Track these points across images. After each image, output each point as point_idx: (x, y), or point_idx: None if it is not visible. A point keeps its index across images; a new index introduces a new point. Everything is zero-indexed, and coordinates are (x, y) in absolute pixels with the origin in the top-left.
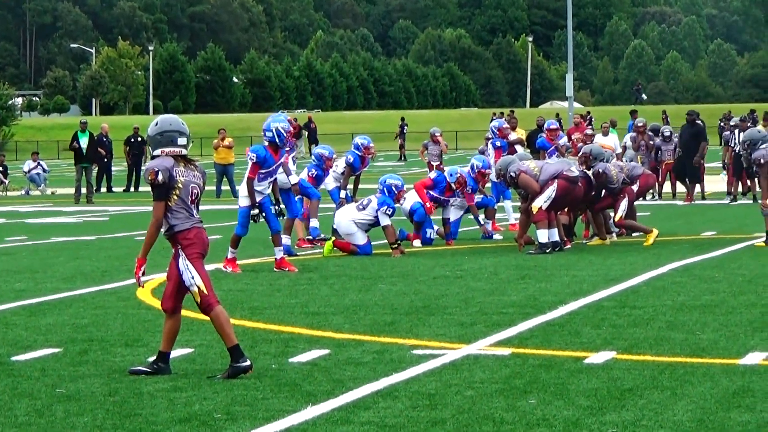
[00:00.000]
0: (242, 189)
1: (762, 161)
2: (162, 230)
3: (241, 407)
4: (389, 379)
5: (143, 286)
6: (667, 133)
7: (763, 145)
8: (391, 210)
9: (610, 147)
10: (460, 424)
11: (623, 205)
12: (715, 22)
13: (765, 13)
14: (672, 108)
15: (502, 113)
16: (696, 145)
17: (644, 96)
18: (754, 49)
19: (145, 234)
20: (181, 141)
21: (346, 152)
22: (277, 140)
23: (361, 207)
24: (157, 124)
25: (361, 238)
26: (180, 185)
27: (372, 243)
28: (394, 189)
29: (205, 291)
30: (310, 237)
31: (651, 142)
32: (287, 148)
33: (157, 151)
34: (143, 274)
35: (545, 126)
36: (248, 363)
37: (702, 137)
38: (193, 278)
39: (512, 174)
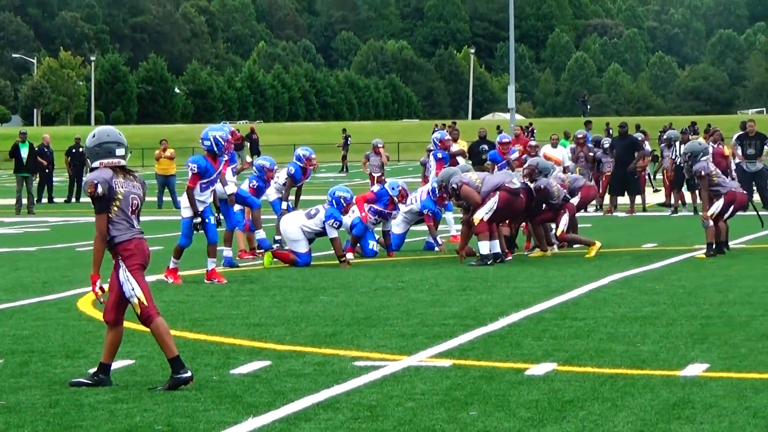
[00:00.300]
0: (184, 200)
1: (702, 173)
2: None
3: (182, 419)
4: (330, 390)
5: (104, 301)
6: (607, 145)
7: (704, 158)
8: (338, 223)
9: (557, 159)
10: None
11: (564, 219)
12: (657, 34)
13: (706, 26)
14: (614, 120)
15: (444, 125)
16: (630, 157)
17: (588, 107)
18: (695, 62)
19: (92, 248)
20: (120, 152)
21: (288, 163)
22: (215, 149)
23: (309, 215)
24: (94, 136)
25: (303, 247)
26: (120, 196)
27: (312, 254)
28: (342, 201)
29: (145, 302)
30: (262, 249)
31: (591, 154)
32: (226, 157)
33: (96, 163)
34: (101, 290)
35: (498, 139)
36: (189, 374)
37: (637, 148)
38: (133, 289)
39: (454, 186)
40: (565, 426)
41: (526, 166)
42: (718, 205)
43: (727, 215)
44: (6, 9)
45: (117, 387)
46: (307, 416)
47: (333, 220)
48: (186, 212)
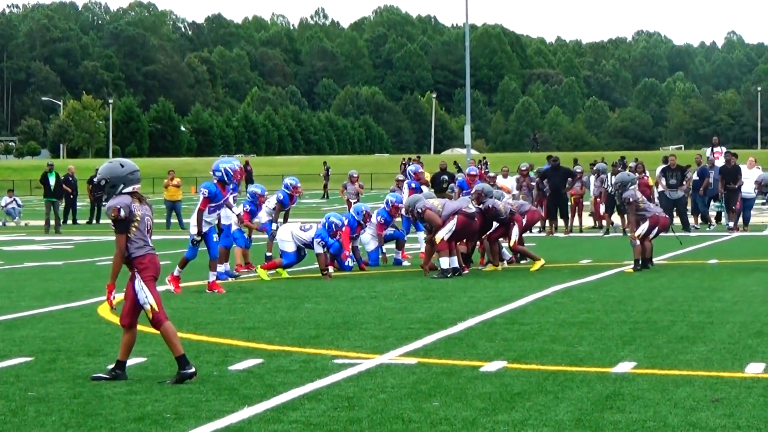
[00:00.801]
0: (193, 219)
1: (631, 200)
2: None
3: (187, 408)
4: (314, 384)
5: (115, 308)
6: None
7: (632, 187)
8: (324, 242)
9: (507, 188)
10: (374, 422)
11: (515, 231)
12: (591, 82)
13: (633, 75)
14: (555, 154)
15: (410, 158)
16: (563, 185)
17: (538, 143)
18: (624, 105)
19: (111, 261)
20: (139, 179)
21: (277, 191)
22: (225, 178)
23: (303, 228)
24: (123, 167)
25: (290, 247)
26: (138, 218)
27: (300, 264)
28: (333, 227)
29: (157, 309)
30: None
31: (532, 183)
32: (232, 186)
33: (129, 189)
34: (114, 298)
35: (467, 171)
36: (193, 370)
37: (571, 175)
38: (146, 297)
39: (419, 210)
40: (514, 415)
41: (473, 191)
42: (644, 227)
43: (651, 236)
44: (36, 59)
45: (132, 381)
46: (294, 406)
47: (320, 239)
48: (194, 230)
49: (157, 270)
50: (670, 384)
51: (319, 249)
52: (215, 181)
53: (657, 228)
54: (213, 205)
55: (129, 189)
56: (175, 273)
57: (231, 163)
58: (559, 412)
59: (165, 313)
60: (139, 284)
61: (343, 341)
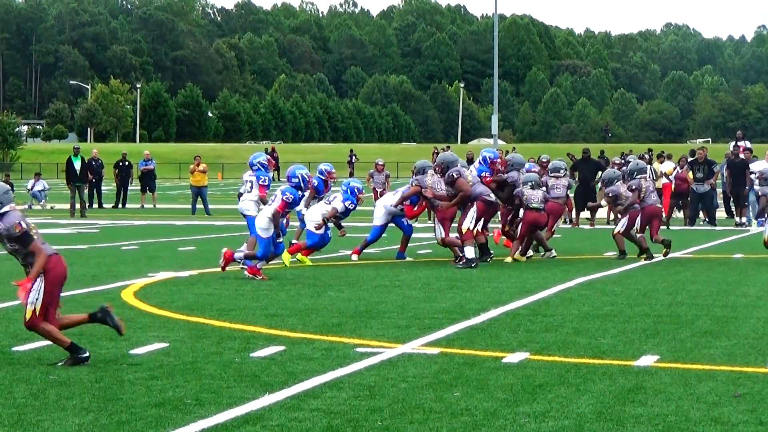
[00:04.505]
0: (261, 221)
1: (610, 195)
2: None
3: (209, 394)
4: (335, 372)
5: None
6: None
7: (617, 182)
8: (353, 205)
9: None
10: (395, 412)
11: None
12: (619, 74)
13: (661, 68)
14: (580, 146)
15: (437, 148)
16: (593, 177)
17: (610, 134)
18: (652, 98)
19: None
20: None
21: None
22: (302, 185)
23: (327, 202)
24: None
25: (317, 229)
26: (32, 226)
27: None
28: (356, 191)
29: (38, 312)
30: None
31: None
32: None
33: (7, 207)
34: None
35: (491, 158)
36: (86, 354)
37: (601, 168)
38: (36, 300)
39: (453, 174)
40: (535, 406)
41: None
42: (623, 222)
43: (636, 228)
44: (65, 42)
45: (153, 366)
46: (315, 394)
47: (349, 201)
48: (266, 233)
49: (63, 271)
50: (692, 378)
51: (338, 204)
52: (293, 187)
53: (640, 221)
54: (287, 210)
55: (7, 208)
56: (258, 265)
57: (304, 169)
58: (581, 404)
59: (43, 316)
60: (39, 284)
61: (365, 330)
